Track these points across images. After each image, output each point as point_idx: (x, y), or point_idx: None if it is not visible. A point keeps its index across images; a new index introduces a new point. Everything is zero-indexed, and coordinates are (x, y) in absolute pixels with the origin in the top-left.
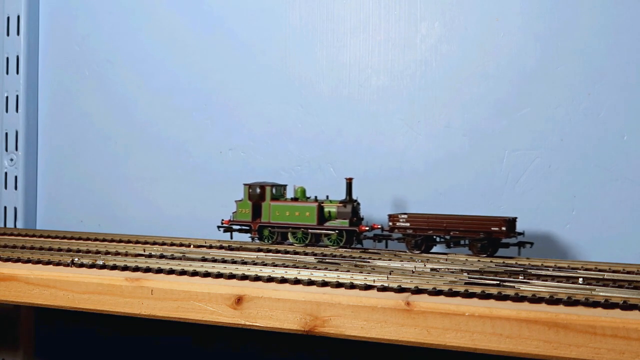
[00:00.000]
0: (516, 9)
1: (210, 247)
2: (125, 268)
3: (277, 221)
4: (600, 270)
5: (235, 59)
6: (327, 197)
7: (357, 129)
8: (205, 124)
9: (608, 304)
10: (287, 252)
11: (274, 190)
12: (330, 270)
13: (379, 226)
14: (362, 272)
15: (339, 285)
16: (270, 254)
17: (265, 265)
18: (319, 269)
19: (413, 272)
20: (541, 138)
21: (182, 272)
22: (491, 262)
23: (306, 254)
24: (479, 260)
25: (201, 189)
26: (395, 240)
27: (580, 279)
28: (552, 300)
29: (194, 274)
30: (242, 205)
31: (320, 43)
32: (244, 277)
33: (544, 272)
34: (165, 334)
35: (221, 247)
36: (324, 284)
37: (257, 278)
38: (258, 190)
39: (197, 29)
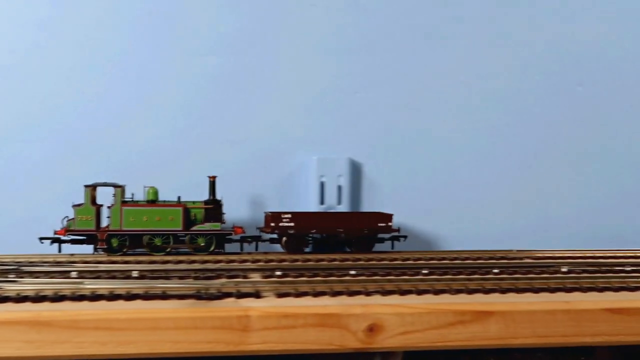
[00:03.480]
0: None
1: None
2: None
3: (130, 228)
4: (97, 262)
5: None
6: (179, 198)
7: None
8: None
9: (94, 296)
10: None
11: (123, 193)
12: None
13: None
14: None
15: None
16: None
17: None
18: None
19: None
20: None
21: None
22: None
23: None
24: None
25: None
26: (268, 242)
27: (74, 273)
28: (38, 298)
29: None
30: (83, 211)
31: None
32: None
33: (38, 269)
34: None
35: None
36: None
37: None
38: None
39: None
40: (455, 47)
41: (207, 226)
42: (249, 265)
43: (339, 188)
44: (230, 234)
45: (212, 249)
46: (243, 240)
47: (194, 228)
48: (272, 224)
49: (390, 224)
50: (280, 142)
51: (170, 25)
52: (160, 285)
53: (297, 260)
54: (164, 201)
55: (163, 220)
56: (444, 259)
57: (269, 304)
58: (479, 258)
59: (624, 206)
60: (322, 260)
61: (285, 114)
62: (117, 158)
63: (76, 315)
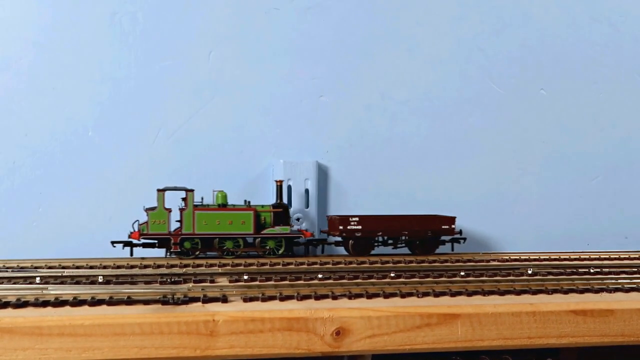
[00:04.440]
0: None
1: None
2: None
3: (203, 232)
4: (62, 268)
5: None
6: (249, 202)
7: None
8: None
9: (58, 302)
10: None
11: (194, 196)
12: None
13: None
14: None
15: None
16: None
17: None
18: None
19: None
20: None
21: None
22: None
23: None
24: None
25: None
26: (332, 245)
27: (37, 279)
28: (0, 304)
29: None
30: (157, 214)
31: None
32: None
33: (0, 275)
34: None
35: None
36: None
37: None
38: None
39: None
40: (421, 52)
41: (277, 229)
42: (216, 269)
43: (306, 191)
44: (299, 237)
45: (281, 252)
46: (309, 243)
47: (265, 232)
48: (340, 227)
49: (453, 226)
50: (246, 145)
51: (129, 28)
52: (125, 290)
53: (264, 264)
54: (233, 205)
55: (235, 224)
56: (411, 262)
57: (235, 308)
58: (446, 261)
59: (589, 209)
60: (290, 264)
61: (251, 117)
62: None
63: (40, 321)
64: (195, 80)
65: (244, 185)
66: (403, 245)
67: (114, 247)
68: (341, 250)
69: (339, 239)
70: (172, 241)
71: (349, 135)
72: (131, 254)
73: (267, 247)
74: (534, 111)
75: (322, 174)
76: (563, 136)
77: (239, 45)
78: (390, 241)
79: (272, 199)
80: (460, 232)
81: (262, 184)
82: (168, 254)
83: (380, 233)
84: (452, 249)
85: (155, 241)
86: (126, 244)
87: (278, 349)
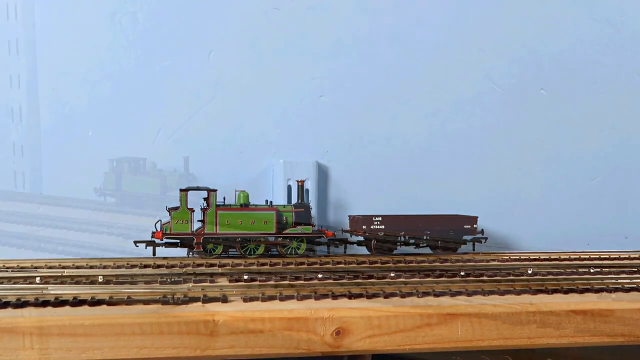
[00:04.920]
0: None
1: None
2: None
3: (225, 231)
4: (62, 268)
5: None
6: (271, 202)
7: None
8: None
9: (58, 302)
10: None
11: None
12: None
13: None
14: None
15: None
16: None
17: None
18: None
19: None
20: None
21: None
22: None
23: None
24: None
25: None
26: (355, 244)
27: (37, 279)
28: (0, 304)
29: None
30: (180, 214)
31: None
32: None
33: (0, 274)
34: None
35: None
36: None
37: None
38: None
39: None
40: (421, 52)
41: (299, 229)
42: (216, 269)
43: (306, 191)
44: (321, 237)
45: (301, 251)
46: (331, 243)
47: (286, 231)
48: (364, 227)
49: (475, 226)
50: (246, 145)
51: (129, 28)
52: (125, 290)
53: (264, 264)
54: (255, 205)
55: (257, 224)
56: (411, 262)
57: (235, 308)
58: (446, 260)
59: (589, 209)
60: (290, 264)
61: (251, 117)
62: None
63: (40, 321)
64: (195, 80)
65: (244, 185)
66: (425, 245)
67: (137, 246)
68: (362, 250)
69: (361, 238)
70: (195, 241)
71: (349, 135)
72: (154, 254)
73: (289, 247)
74: (534, 111)
75: (322, 174)
76: (563, 136)
77: (239, 45)
78: (412, 241)
79: (271, 199)
80: (482, 232)
81: (262, 184)
82: (190, 253)
83: (403, 233)
84: (474, 249)
85: (178, 241)
86: (149, 243)
87: (278, 349)
